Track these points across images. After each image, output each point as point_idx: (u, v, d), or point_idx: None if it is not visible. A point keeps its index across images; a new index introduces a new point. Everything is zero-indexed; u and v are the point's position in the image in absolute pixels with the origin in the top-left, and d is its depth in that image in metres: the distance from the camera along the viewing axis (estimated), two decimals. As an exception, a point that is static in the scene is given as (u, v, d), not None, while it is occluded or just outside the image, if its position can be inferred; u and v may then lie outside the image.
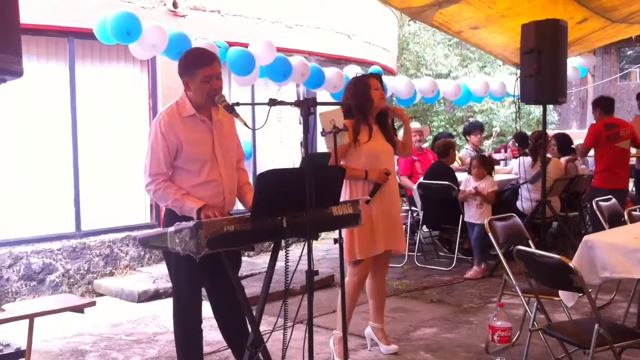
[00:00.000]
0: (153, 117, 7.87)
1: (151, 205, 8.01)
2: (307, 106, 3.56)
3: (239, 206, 4.17)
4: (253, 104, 8.09)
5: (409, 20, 11.28)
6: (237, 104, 3.75)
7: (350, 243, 4.64)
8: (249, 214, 3.40)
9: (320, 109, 4.21)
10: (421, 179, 8.37)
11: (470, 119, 20.00)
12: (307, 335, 3.56)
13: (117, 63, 7.72)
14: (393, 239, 4.78)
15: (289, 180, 3.47)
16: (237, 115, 3.73)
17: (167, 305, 6.44)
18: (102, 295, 7.00)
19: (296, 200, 3.38)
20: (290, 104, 3.67)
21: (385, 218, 4.71)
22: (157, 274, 7.26)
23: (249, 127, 3.79)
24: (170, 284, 6.74)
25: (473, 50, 20.96)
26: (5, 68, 2.10)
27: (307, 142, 3.56)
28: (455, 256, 8.07)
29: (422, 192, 8.29)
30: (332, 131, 4.21)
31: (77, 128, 7.24)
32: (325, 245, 9.08)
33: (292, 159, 9.72)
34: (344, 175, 3.96)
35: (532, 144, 8.74)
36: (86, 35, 6.90)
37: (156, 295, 6.76)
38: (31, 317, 3.21)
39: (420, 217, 8.44)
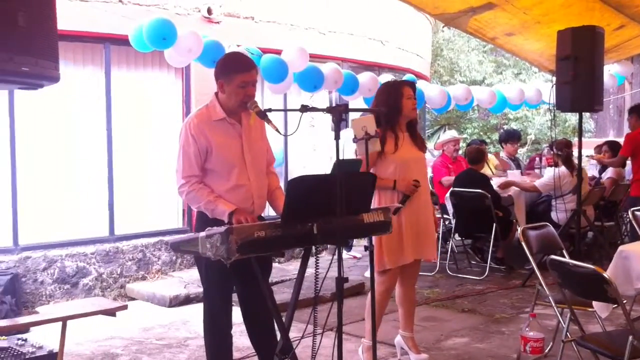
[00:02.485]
0: (186, 123, 7.94)
1: (183, 210, 8.06)
2: (338, 113, 3.55)
3: (269, 211, 4.18)
4: (285, 110, 8.08)
5: (443, 27, 11.21)
6: (270, 110, 3.77)
7: (378, 252, 4.57)
8: (280, 219, 3.40)
9: (352, 115, 4.21)
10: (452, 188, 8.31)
11: (505, 127, 19.82)
12: (336, 342, 3.55)
13: (152, 69, 7.80)
14: (423, 247, 4.72)
15: (319, 187, 3.46)
16: (269, 122, 3.74)
17: (197, 310, 6.46)
18: (134, 299, 7.05)
19: (327, 207, 3.36)
20: (322, 110, 3.66)
21: (414, 227, 4.65)
22: (188, 279, 7.30)
23: (280, 133, 3.78)
24: (201, 289, 6.82)
25: (508, 56, 20.77)
26: (43, 74, 2.13)
27: (338, 148, 3.55)
28: (488, 265, 7.99)
29: (454, 200, 8.22)
30: (364, 138, 4.20)
31: (112, 133, 7.33)
32: (355, 252, 9.05)
33: (324, 165, 9.71)
34: (375, 182, 3.94)
35: (563, 153, 8.58)
36: (122, 41, 6.99)
37: (187, 300, 6.79)
38: (64, 320, 3.25)
39: (453, 225, 8.37)
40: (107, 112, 7.30)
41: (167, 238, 7.62)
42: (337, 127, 3.57)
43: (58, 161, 7.01)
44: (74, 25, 6.63)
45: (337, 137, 3.54)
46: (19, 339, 3.45)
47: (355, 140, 4.23)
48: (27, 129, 6.75)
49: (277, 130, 3.70)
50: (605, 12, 8.50)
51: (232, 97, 3.84)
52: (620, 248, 4.18)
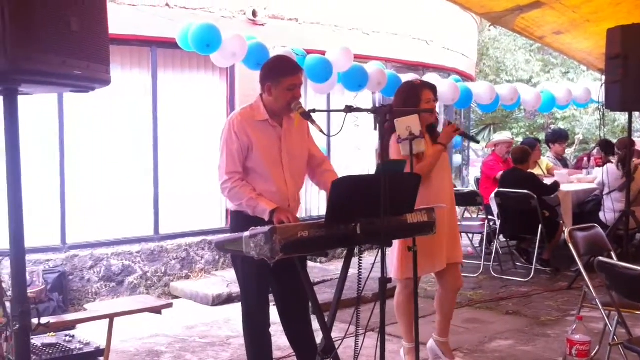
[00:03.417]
0: (230, 125, 8.01)
1: (226, 210, 8.11)
2: (383, 113, 3.55)
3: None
4: (329, 111, 8.09)
5: (490, 26, 11.08)
6: (314, 110, 3.79)
7: (399, 261, 4.51)
8: (323, 220, 3.40)
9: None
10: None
11: (552, 127, 19.52)
12: (378, 343, 3.54)
13: (197, 71, 7.87)
14: (455, 250, 4.67)
15: (363, 187, 3.46)
16: (313, 122, 3.76)
17: (240, 310, 6.54)
18: (177, 297, 7.14)
19: (370, 207, 3.37)
20: (367, 111, 3.67)
21: (446, 229, 4.52)
22: (231, 278, 7.34)
23: (324, 134, 3.79)
24: (243, 289, 6.89)
25: (556, 55, 20.47)
26: (94, 77, 2.17)
27: (383, 149, 3.55)
28: (534, 267, 7.87)
29: (499, 200, 8.12)
30: (409, 138, 4.18)
31: (157, 134, 7.43)
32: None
33: (367, 165, 9.69)
34: (419, 182, 3.90)
35: (622, 153, 8.40)
36: (168, 44, 7.09)
37: (229, 299, 6.84)
38: (111, 317, 3.31)
39: (498, 226, 8.27)
40: (154, 113, 7.40)
41: (210, 237, 7.70)
42: (381, 128, 3.56)
43: (105, 162, 7.13)
44: (122, 29, 6.73)
45: (381, 138, 3.54)
46: (66, 336, 3.52)
47: (400, 140, 4.21)
48: (76, 130, 6.88)
49: (321, 130, 3.72)
50: (657, 10, 8.31)
51: (280, 99, 3.89)
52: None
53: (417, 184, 3.84)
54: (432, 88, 4.65)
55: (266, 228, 3.22)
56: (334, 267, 7.96)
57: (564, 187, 8.55)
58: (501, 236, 8.49)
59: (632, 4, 8.13)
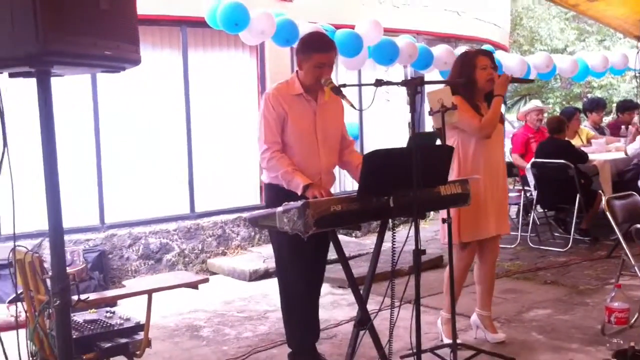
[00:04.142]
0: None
1: (260, 187, 8.17)
2: (414, 85, 3.53)
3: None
4: (360, 85, 8.05)
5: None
6: (344, 85, 3.81)
7: (456, 224, 4.43)
8: (356, 193, 3.42)
9: (427, 88, 4.16)
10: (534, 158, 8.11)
11: (589, 95, 19.18)
12: (414, 314, 3.56)
13: (227, 49, 7.89)
14: (503, 221, 4.65)
15: (395, 160, 3.47)
16: (344, 97, 3.78)
17: (276, 284, 6.61)
18: (215, 274, 7.22)
19: (403, 180, 3.38)
20: (397, 84, 3.66)
21: (494, 200, 4.53)
22: (267, 254, 7.40)
23: (355, 108, 3.80)
24: (280, 264, 6.95)
25: (591, 23, 20.06)
26: (125, 57, 2.20)
27: (415, 121, 3.54)
28: (572, 237, 7.79)
29: (535, 171, 8.04)
30: (440, 110, 4.15)
31: (190, 113, 7.49)
32: (434, 226, 8.97)
33: (399, 139, 9.65)
34: (452, 154, 3.89)
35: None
36: (197, 23, 7.11)
37: (266, 274, 6.90)
38: (149, 293, 3.37)
39: (534, 197, 8.19)
40: (185, 92, 7.46)
41: (245, 214, 7.77)
42: (412, 101, 3.55)
43: (140, 142, 7.21)
44: (151, 9, 6.77)
45: (412, 110, 3.53)
46: (107, 312, 3.60)
47: (431, 112, 4.19)
48: (110, 110, 6.95)
49: (352, 105, 3.74)
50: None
51: (309, 75, 3.96)
52: None
53: (449, 156, 3.84)
54: (488, 54, 4.60)
55: (299, 203, 3.25)
56: (370, 242, 7.96)
57: (601, 156, 8.43)
58: (538, 207, 8.41)
59: (669, -31, 7.98)
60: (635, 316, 4.81)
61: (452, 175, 4.27)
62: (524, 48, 19.74)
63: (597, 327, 4.93)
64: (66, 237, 6.20)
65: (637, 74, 7.55)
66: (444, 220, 4.18)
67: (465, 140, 4.46)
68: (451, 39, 10.44)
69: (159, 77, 7.33)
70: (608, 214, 4.66)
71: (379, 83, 3.73)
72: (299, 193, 3.71)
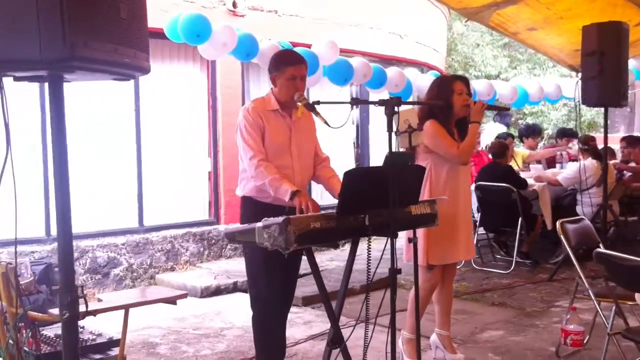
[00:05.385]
0: (212, 116, 8.00)
1: (209, 202, 8.11)
2: (391, 105, 3.58)
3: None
4: (333, 103, 8.09)
5: (466, 21, 11.21)
6: (318, 102, 3.82)
7: (424, 246, 4.49)
8: (335, 211, 3.44)
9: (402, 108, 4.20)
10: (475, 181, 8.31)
11: (521, 121, 19.80)
12: (389, 333, 3.59)
13: (177, 62, 7.82)
14: (470, 246, 4.75)
15: (373, 179, 3.50)
16: (317, 114, 3.80)
17: (229, 301, 6.56)
18: (163, 290, 7.09)
19: (378, 199, 3.41)
20: (374, 103, 3.69)
21: (465, 225, 4.63)
22: (217, 270, 7.35)
23: (329, 125, 3.81)
24: (231, 281, 6.90)
25: (522, 51, 20.74)
26: (139, 64, 2.18)
27: (391, 141, 3.57)
28: (514, 259, 8.00)
29: (479, 193, 8.23)
30: (407, 131, 4.22)
31: (140, 126, 7.39)
32: (380, 245, 9.04)
33: (344, 157, 9.69)
34: (424, 174, 3.96)
35: (590, 146, 8.58)
36: (151, 34, 6.99)
37: (218, 291, 6.83)
38: (126, 308, 3.29)
39: (477, 219, 8.37)
40: (136, 104, 7.35)
41: (194, 229, 7.71)
42: (390, 120, 3.59)
43: (89, 153, 7.04)
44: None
45: (389, 130, 3.57)
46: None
47: (398, 133, 4.24)
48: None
49: (325, 122, 3.75)
50: (627, 8, 8.53)
51: (283, 89, 4.01)
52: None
53: (421, 176, 3.91)
54: (464, 80, 4.65)
55: (280, 219, 3.23)
56: (319, 260, 7.95)
57: (540, 182, 8.70)
58: (481, 229, 8.60)
59: (605, 2, 8.34)
60: (587, 338, 4.96)
61: (423, 197, 4.34)
62: (459, 73, 20.21)
63: (550, 349, 5.08)
64: (10, 249, 6.01)
65: (576, 102, 7.79)
66: (410, 240, 4.21)
67: (438, 164, 4.52)
68: (393, 61, 10.61)
69: (109, 88, 7.18)
70: (562, 237, 4.79)
71: (355, 101, 3.79)
72: (287, 199, 3.71)
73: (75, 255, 6.68)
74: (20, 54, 1.87)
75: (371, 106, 8.57)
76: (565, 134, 10.61)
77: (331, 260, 7.89)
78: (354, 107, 7.95)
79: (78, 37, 1.88)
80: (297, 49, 7.02)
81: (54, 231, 6.48)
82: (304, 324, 5.75)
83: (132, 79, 2.31)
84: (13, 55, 1.87)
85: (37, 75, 2.11)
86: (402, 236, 4.04)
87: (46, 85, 2.17)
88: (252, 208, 3.87)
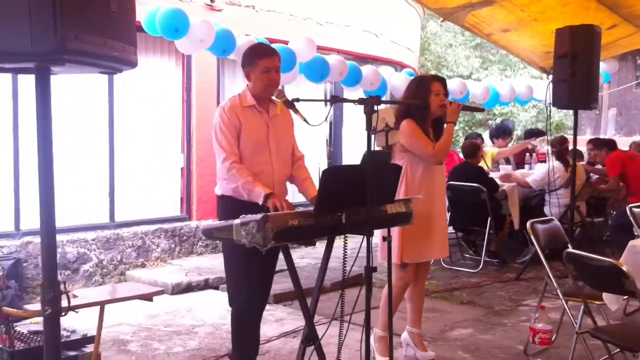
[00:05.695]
0: (187, 111, 7.95)
1: (181, 198, 8.07)
2: (370, 104, 3.60)
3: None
4: (313, 100, 8.12)
5: (442, 21, 11.30)
6: (297, 99, 3.82)
7: (398, 244, 4.54)
8: (312, 208, 3.45)
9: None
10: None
11: (490, 122, 19.99)
12: (364, 331, 3.62)
13: (153, 56, 7.76)
14: (443, 245, 4.81)
15: (351, 177, 3.52)
16: (296, 111, 3.80)
17: (201, 298, 6.54)
18: (134, 286, 7.04)
19: (356, 197, 3.44)
20: (354, 101, 3.72)
21: (441, 224, 4.71)
22: (188, 267, 7.32)
23: (308, 123, 3.82)
24: (202, 277, 6.89)
25: (494, 52, 20.96)
26: (127, 58, 2.17)
27: (370, 140, 3.60)
28: (483, 259, 8.08)
29: (450, 193, 8.29)
30: (384, 129, 4.25)
31: (114, 120, 7.32)
32: (354, 243, 9.07)
33: (317, 155, 9.70)
34: (400, 173, 3.99)
35: (557, 149, 8.72)
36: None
37: (189, 288, 6.81)
38: (102, 304, 3.27)
39: (447, 218, 8.43)
40: (110, 98, 7.28)
41: (166, 226, 7.67)
42: (369, 119, 3.61)
43: (60, 147, 6.91)
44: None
45: (368, 129, 3.59)
46: (48, 323, 3.46)
47: (374, 131, 4.27)
48: (31, 114, 6.65)
49: (304, 120, 3.76)
50: (600, 12, 8.65)
51: (258, 82, 4.00)
52: (632, 243, 4.29)
53: (398, 175, 3.94)
54: (442, 81, 4.70)
55: (258, 216, 3.24)
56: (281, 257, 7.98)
57: (509, 183, 8.81)
58: (450, 228, 8.66)
59: (578, 5, 8.45)
60: (553, 337, 5.05)
61: (399, 195, 4.37)
62: (432, 72, 20.37)
63: (518, 347, 5.16)
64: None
65: (547, 105, 7.89)
66: (384, 239, 4.25)
67: (414, 164, 4.57)
68: (368, 60, 10.66)
69: (82, 81, 7.11)
70: (532, 237, 4.86)
71: (334, 100, 3.81)
72: (260, 202, 3.71)
73: (45, 249, 6.59)
74: (11, 46, 1.86)
75: (345, 104, 8.65)
76: (532, 134, 10.74)
77: (302, 257, 7.91)
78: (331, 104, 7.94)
79: (69, 30, 1.87)
80: (274, 45, 7.04)
81: (23, 226, 6.46)
82: (275, 322, 5.75)
83: (118, 73, 2.30)
84: (2, 47, 1.86)
85: (24, 67, 2.09)
86: (377, 234, 4.07)
87: (20, 76, 2.16)
88: (231, 206, 3.84)
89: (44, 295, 2.01)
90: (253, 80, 4.01)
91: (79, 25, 1.90)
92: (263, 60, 3.97)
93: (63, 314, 2.03)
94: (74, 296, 3.49)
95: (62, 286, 2.03)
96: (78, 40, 1.89)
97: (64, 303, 2.12)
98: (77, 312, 2.41)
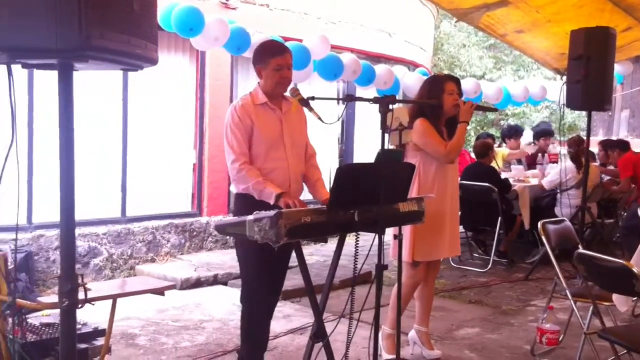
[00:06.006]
0: (200, 108, 7.99)
1: (193, 194, 8.11)
2: (386, 103, 3.61)
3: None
4: (328, 99, 8.15)
5: (455, 21, 11.29)
6: (313, 98, 3.83)
7: (410, 243, 4.55)
8: (325, 206, 3.46)
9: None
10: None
11: (502, 122, 19.94)
12: (373, 329, 3.64)
13: (167, 52, 7.78)
14: (455, 243, 4.81)
15: (364, 175, 3.54)
16: (311, 109, 3.80)
17: (209, 294, 6.58)
18: (144, 280, 7.07)
19: (369, 195, 3.45)
20: (369, 100, 3.72)
21: (452, 223, 4.71)
22: (198, 262, 7.35)
23: (323, 122, 3.83)
24: (211, 273, 6.91)
25: (507, 52, 20.88)
26: (149, 55, 2.20)
27: (384, 138, 3.61)
28: (492, 258, 8.08)
29: (461, 192, 8.26)
30: (398, 128, 4.26)
31: (127, 116, 7.35)
32: (365, 241, 9.08)
33: (328, 153, 9.72)
34: (413, 172, 4.00)
35: (574, 149, 8.71)
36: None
37: (198, 283, 6.83)
38: (114, 298, 3.29)
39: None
40: (124, 95, 7.32)
41: (176, 221, 7.70)
42: (384, 118, 3.62)
43: (74, 143, 6.97)
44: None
45: (383, 127, 3.60)
46: (61, 315, 3.49)
47: (389, 130, 4.28)
48: (46, 110, 6.67)
49: (319, 118, 3.75)
50: (615, 14, 8.61)
51: (269, 80, 3.98)
52: (643, 244, 4.29)
53: (411, 174, 3.94)
54: (455, 81, 4.70)
55: (271, 212, 3.25)
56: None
57: (521, 183, 8.80)
58: (460, 227, 8.63)
59: (593, 7, 8.41)
60: (561, 337, 5.04)
61: (412, 194, 4.37)
62: (445, 72, 20.34)
63: (525, 347, 5.16)
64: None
65: (561, 105, 7.85)
66: (395, 237, 4.27)
67: (427, 162, 4.58)
68: (381, 59, 10.67)
69: (97, 77, 7.13)
70: (543, 238, 4.85)
71: (350, 98, 3.81)
72: (272, 202, 3.71)
73: (56, 243, 6.64)
74: (36, 42, 1.88)
75: (357, 103, 8.66)
76: (542, 134, 10.67)
77: (311, 255, 7.94)
78: (345, 103, 7.95)
79: (94, 28, 1.90)
80: (288, 44, 7.06)
81: (35, 219, 6.49)
82: (283, 318, 5.77)
83: (139, 70, 2.32)
84: (28, 43, 1.88)
85: (47, 63, 2.11)
86: (389, 232, 4.09)
87: (35, 71, 2.19)
88: (248, 204, 3.79)
89: (62, 287, 2.03)
90: (265, 78, 4.00)
91: (103, 22, 1.93)
92: (275, 59, 3.95)
93: (80, 306, 2.06)
94: (88, 289, 3.52)
95: (79, 279, 2.05)
96: (103, 38, 1.92)
97: (80, 295, 2.14)
98: (93, 304, 2.44)
